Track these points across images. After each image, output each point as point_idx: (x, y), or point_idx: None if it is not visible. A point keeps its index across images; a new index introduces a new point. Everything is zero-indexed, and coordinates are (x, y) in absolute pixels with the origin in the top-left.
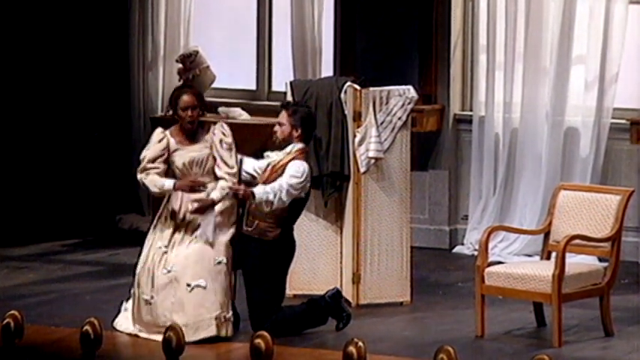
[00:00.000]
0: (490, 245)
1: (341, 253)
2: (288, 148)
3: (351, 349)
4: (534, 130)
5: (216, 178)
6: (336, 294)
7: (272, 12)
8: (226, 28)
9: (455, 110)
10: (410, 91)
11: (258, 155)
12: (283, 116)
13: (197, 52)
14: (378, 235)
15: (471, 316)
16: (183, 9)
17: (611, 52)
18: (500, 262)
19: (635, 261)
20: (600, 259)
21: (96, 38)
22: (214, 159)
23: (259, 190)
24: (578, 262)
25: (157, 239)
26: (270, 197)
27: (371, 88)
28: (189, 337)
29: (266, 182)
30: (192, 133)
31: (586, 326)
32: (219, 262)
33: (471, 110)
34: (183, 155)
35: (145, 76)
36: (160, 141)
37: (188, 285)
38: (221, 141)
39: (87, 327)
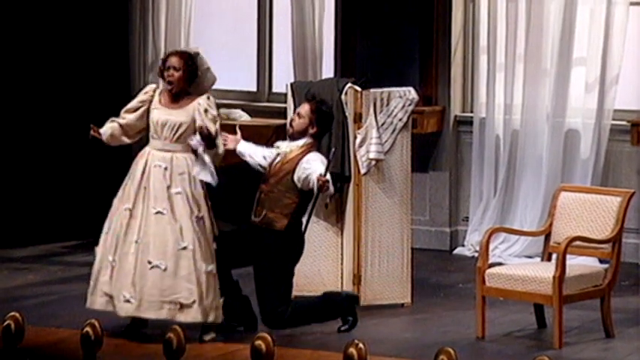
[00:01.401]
0: (491, 247)
1: (342, 254)
2: (301, 142)
3: (352, 350)
4: (535, 131)
5: (193, 151)
6: (354, 297)
7: (272, 13)
8: (227, 29)
9: (455, 112)
10: (410, 93)
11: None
12: (305, 109)
13: (197, 53)
14: (379, 236)
15: (471, 317)
16: (183, 10)
17: (611, 54)
18: (500, 264)
19: (635, 262)
20: (601, 261)
21: (96, 39)
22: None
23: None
24: (579, 264)
25: (123, 202)
26: (331, 189)
27: (372, 90)
28: (139, 313)
29: (275, 174)
30: (177, 97)
31: (587, 328)
32: (184, 248)
33: (471, 112)
34: (160, 115)
35: (145, 77)
36: (145, 93)
37: (149, 262)
38: (206, 110)
39: (87, 328)
